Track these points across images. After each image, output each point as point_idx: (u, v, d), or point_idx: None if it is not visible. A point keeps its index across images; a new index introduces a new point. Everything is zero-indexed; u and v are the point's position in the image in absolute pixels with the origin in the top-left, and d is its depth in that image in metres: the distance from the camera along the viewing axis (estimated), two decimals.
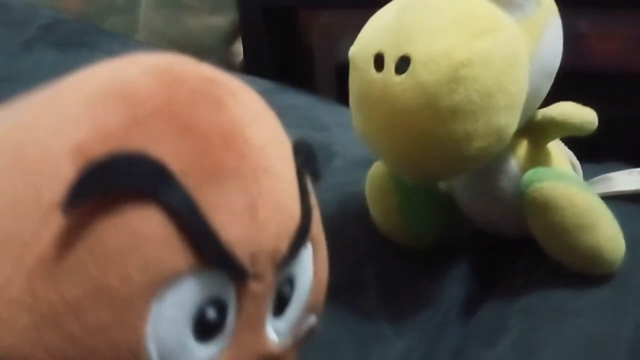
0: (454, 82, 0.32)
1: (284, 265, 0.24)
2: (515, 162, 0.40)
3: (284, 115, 0.70)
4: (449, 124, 0.32)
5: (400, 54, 0.32)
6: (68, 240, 0.19)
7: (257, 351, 0.24)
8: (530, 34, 0.35)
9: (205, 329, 0.21)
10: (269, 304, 0.24)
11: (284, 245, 0.23)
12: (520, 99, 0.34)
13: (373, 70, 0.33)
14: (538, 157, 0.41)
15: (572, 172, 0.45)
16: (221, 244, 0.21)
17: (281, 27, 0.88)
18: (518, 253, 0.44)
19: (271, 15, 0.86)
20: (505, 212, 0.41)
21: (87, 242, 0.19)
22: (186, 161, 0.21)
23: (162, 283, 0.20)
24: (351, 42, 0.37)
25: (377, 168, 0.43)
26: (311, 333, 0.27)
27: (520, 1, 0.35)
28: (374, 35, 0.34)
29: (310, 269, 0.27)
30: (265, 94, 0.76)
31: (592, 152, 0.47)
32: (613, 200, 0.48)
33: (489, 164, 0.39)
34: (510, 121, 0.34)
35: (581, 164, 0.49)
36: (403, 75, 0.32)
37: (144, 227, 0.20)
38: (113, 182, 0.19)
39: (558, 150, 0.44)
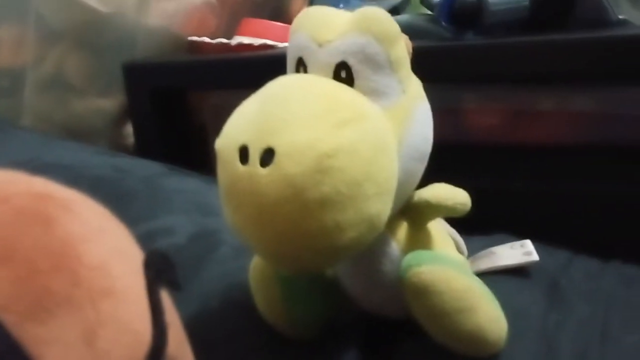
0: (319, 173, 0.31)
1: None
2: (396, 245, 0.40)
3: (171, 200, 0.69)
4: (318, 215, 0.31)
5: (265, 146, 0.31)
6: None
7: None
8: (397, 121, 0.36)
9: None
10: None
11: None
12: (391, 186, 0.34)
13: (239, 163, 0.32)
14: (418, 238, 0.41)
15: (454, 251, 0.45)
16: None
17: (171, 108, 0.87)
18: (405, 335, 0.43)
19: (160, 96, 0.85)
20: (389, 295, 0.41)
21: None
22: (6, 293, 0.19)
23: None
24: None
25: (258, 258, 0.42)
26: None
27: (385, 89, 0.35)
28: (238, 127, 0.34)
29: None
30: (152, 178, 0.74)
31: (480, 223, 0.47)
32: (497, 275, 0.49)
33: (370, 248, 0.38)
34: (382, 208, 0.34)
35: (469, 235, 0.49)
36: (268, 168, 0.31)
37: None
38: None
39: (439, 229, 0.44)
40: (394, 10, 0.78)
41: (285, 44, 0.85)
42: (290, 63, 0.38)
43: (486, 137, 0.71)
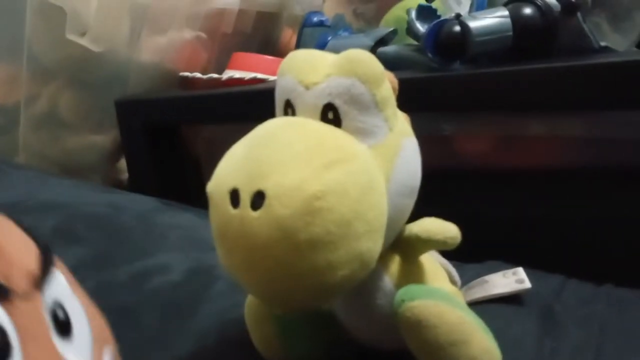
0: (309, 214, 0.31)
1: (43, 285, 0.25)
2: (388, 279, 0.40)
3: (166, 236, 0.69)
4: (309, 255, 0.32)
5: (255, 189, 0.32)
6: None
7: None
8: (385, 158, 0.36)
9: None
10: (47, 322, 0.25)
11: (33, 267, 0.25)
12: (381, 223, 0.35)
13: (230, 206, 0.33)
14: (411, 272, 0.41)
15: (447, 282, 0.45)
16: None
17: (164, 142, 0.87)
18: None
19: (153, 131, 0.86)
20: (384, 328, 0.41)
21: None
22: None
23: None
24: None
25: (252, 296, 0.42)
26: None
27: (372, 128, 0.36)
28: (228, 171, 0.34)
29: (76, 301, 0.28)
30: (147, 215, 0.74)
31: (473, 251, 0.48)
32: (491, 303, 0.49)
33: (364, 283, 0.38)
34: (372, 246, 0.34)
35: (461, 264, 0.50)
36: (259, 211, 0.32)
37: None
38: None
39: (432, 261, 0.44)
40: (381, 41, 0.80)
41: (275, 77, 0.86)
42: (279, 105, 0.39)
43: (475, 164, 0.72)
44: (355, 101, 0.36)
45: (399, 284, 0.40)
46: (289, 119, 0.37)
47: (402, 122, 0.39)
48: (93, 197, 0.72)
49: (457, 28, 0.63)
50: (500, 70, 0.61)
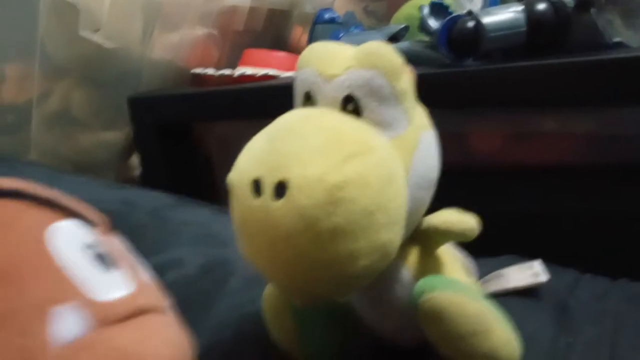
0: (331, 204, 0.32)
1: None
2: (407, 271, 0.40)
3: (179, 232, 0.69)
4: (331, 245, 0.32)
5: (277, 179, 0.32)
6: None
7: None
8: (404, 151, 0.36)
9: None
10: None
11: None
12: (401, 215, 0.35)
13: (252, 197, 0.33)
14: (429, 264, 0.41)
15: (464, 274, 0.45)
16: None
17: (176, 139, 0.88)
18: None
19: (165, 128, 0.86)
20: (401, 320, 0.41)
21: None
22: None
23: None
24: None
25: (271, 287, 0.43)
26: None
27: (391, 121, 0.36)
28: (250, 162, 0.34)
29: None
30: (160, 211, 0.74)
31: (489, 245, 0.48)
32: (507, 297, 0.49)
33: (382, 275, 0.38)
34: (393, 237, 0.34)
35: (478, 258, 0.50)
36: (281, 201, 0.32)
37: None
38: None
39: (449, 254, 0.44)
40: (393, 38, 0.80)
41: (287, 73, 0.86)
42: (298, 97, 0.39)
43: (490, 160, 0.72)
44: (375, 93, 0.36)
45: (417, 276, 0.40)
46: (308, 111, 0.37)
47: (421, 114, 0.39)
48: (106, 194, 0.72)
49: (471, 24, 0.63)
50: (513, 66, 0.61)
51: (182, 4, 0.90)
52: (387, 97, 0.36)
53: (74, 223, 0.28)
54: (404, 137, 0.37)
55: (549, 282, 0.50)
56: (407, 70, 0.37)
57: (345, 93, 0.36)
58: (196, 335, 0.47)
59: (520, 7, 0.63)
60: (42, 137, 0.93)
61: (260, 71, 0.86)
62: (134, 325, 0.27)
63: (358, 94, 0.36)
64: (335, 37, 0.85)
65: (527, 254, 0.56)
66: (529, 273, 0.50)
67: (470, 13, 0.64)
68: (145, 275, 0.31)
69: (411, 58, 0.71)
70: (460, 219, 0.39)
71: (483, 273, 0.53)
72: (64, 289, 0.25)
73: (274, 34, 1.09)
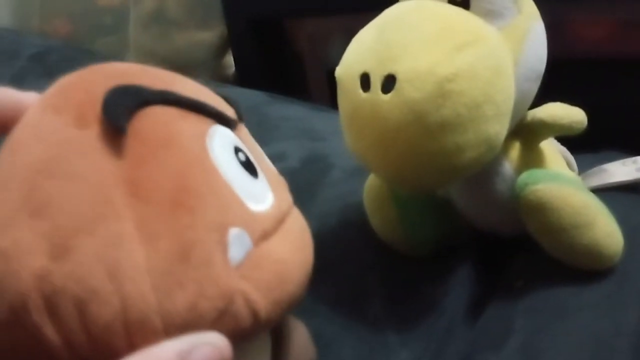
0: (440, 97, 0.32)
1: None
2: (508, 165, 0.41)
3: (279, 127, 0.71)
4: (439, 138, 0.33)
5: (386, 73, 0.33)
6: None
7: None
8: (513, 41, 0.36)
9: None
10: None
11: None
12: (508, 107, 0.35)
13: (360, 91, 0.34)
14: (531, 157, 0.41)
15: (566, 169, 0.45)
16: None
17: (269, 37, 0.88)
18: (517, 252, 0.44)
19: (258, 26, 0.86)
20: (502, 213, 0.42)
21: None
22: None
23: None
24: (339, 48, 0.37)
25: (373, 179, 0.44)
26: None
27: (501, 10, 0.35)
28: (358, 55, 0.35)
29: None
30: (257, 107, 0.76)
31: (587, 141, 0.47)
32: (609, 192, 0.49)
33: (484, 168, 0.39)
34: (500, 129, 0.35)
35: (577, 154, 0.49)
36: (390, 94, 0.33)
37: None
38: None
39: (551, 148, 0.44)
40: None
41: None
42: None
43: (593, 51, 0.69)
44: None
45: (519, 170, 0.40)
46: (418, 1, 0.36)
47: (530, 3, 0.38)
48: None
49: None
50: None
51: None
52: None
53: (221, 125, 0.26)
54: (514, 27, 0.36)
55: None
56: None
57: None
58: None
59: None
60: (139, 37, 0.96)
61: None
62: (283, 234, 0.26)
63: None
64: None
65: (628, 151, 0.54)
66: (633, 167, 0.49)
67: None
68: (272, 168, 0.30)
69: None
70: (568, 112, 0.38)
71: (582, 169, 0.52)
72: (234, 207, 0.24)
73: None
